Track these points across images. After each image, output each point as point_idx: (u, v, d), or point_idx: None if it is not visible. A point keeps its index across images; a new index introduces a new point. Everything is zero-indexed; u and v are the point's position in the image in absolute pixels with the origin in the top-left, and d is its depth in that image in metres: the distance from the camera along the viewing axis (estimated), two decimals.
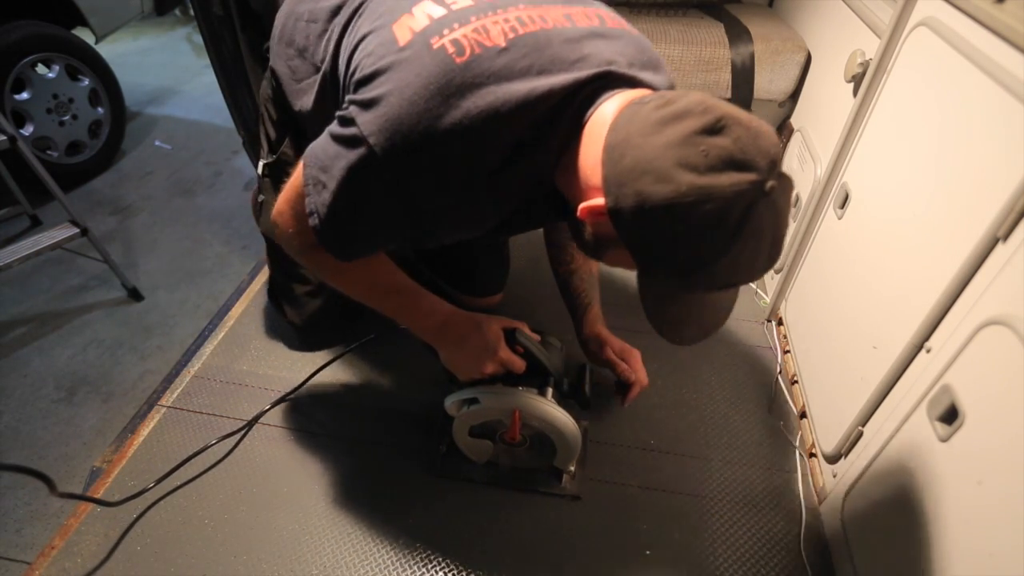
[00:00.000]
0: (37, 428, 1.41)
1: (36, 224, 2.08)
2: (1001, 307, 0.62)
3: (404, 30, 0.69)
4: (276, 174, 1.01)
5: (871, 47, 1.00)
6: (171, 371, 1.22)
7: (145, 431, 1.09)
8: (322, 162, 0.71)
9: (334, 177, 0.70)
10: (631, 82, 0.68)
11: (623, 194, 0.57)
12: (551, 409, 0.88)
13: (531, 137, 0.66)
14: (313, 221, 0.74)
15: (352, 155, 0.68)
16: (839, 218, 1.06)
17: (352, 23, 0.80)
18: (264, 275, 1.45)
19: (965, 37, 0.76)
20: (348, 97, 0.71)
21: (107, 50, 2.46)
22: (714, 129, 0.53)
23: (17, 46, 2.02)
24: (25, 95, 2.09)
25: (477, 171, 0.68)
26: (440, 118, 0.64)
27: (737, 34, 1.40)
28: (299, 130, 1.00)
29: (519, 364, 0.90)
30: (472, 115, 0.64)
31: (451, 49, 0.65)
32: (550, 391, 0.92)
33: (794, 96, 1.44)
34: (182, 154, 2.62)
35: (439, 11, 0.69)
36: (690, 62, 1.40)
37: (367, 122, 0.66)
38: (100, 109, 2.36)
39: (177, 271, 1.92)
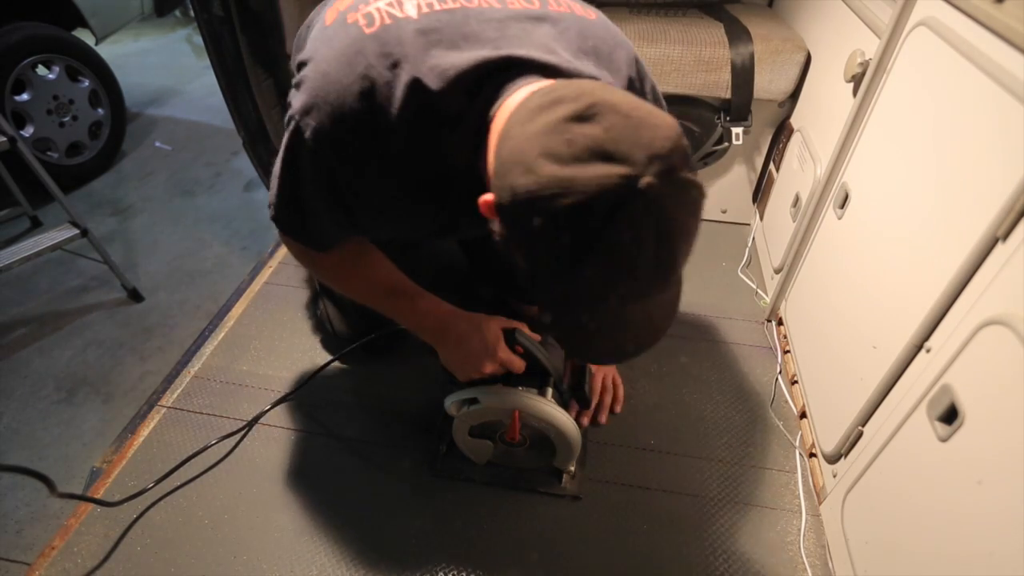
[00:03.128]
0: (37, 429, 1.41)
1: (36, 225, 2.08)
2: (1001, 307, 0.62)
3: (332, 12, 0.72)
4: None
5: (871, 47, 1.00)
6: (171, 371, 1.22)
7: (145, 431, 1.09)
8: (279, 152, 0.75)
9: (277, 160, 0.73)
10: (552, 70, 0.64)
11: (501, 187, 0.52)
12: (551, 409, 0.88)
13: (430, 118, 0.64)
14: (270, 205, 0.78)
15: (286, 135, 0.70)
16: (839, 218, 1.06)
17: (315, 16, 0.83)
18: (265, 275, 1.45)
19: (965, 37, 0.76)
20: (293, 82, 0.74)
21: (107, 51, 2.47)
22: (584, 116, 0.48)
23: (17, 47, 2.02)
24: (25, 96, 2.09)
25: (381, 150, 0.67)
26: (349, 89, 0.65)
27: (737, 34, 1.40)
28: None
29: (519, 364, 0.90)
30: (370, 90, 0.64)
31: (362, 22, 0.67)
32: (550, 391, 0.92)
33: (794, 96, 1.44)
34: (182, 155, 2.62)
35: None
36: (690, 62, 1.40)
37: (295, 100, 0.68)
38: (100, 110, 2.36)
39: (177, 272, 1.92)
